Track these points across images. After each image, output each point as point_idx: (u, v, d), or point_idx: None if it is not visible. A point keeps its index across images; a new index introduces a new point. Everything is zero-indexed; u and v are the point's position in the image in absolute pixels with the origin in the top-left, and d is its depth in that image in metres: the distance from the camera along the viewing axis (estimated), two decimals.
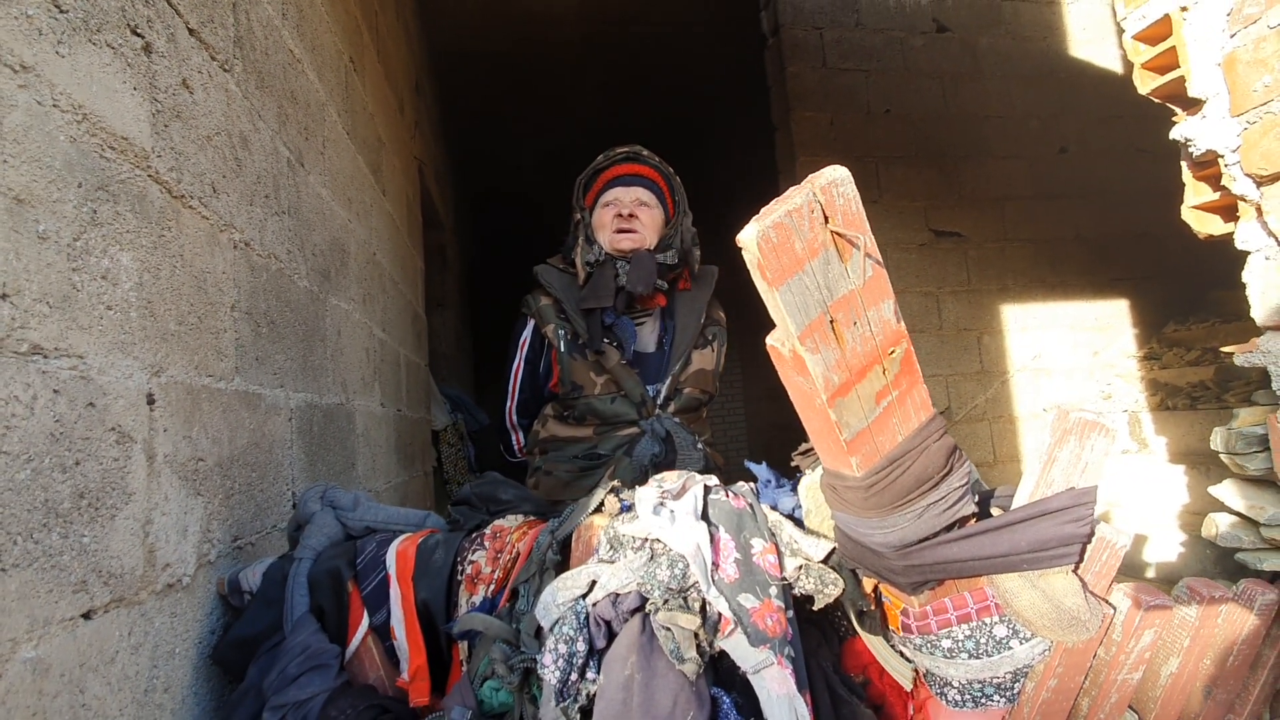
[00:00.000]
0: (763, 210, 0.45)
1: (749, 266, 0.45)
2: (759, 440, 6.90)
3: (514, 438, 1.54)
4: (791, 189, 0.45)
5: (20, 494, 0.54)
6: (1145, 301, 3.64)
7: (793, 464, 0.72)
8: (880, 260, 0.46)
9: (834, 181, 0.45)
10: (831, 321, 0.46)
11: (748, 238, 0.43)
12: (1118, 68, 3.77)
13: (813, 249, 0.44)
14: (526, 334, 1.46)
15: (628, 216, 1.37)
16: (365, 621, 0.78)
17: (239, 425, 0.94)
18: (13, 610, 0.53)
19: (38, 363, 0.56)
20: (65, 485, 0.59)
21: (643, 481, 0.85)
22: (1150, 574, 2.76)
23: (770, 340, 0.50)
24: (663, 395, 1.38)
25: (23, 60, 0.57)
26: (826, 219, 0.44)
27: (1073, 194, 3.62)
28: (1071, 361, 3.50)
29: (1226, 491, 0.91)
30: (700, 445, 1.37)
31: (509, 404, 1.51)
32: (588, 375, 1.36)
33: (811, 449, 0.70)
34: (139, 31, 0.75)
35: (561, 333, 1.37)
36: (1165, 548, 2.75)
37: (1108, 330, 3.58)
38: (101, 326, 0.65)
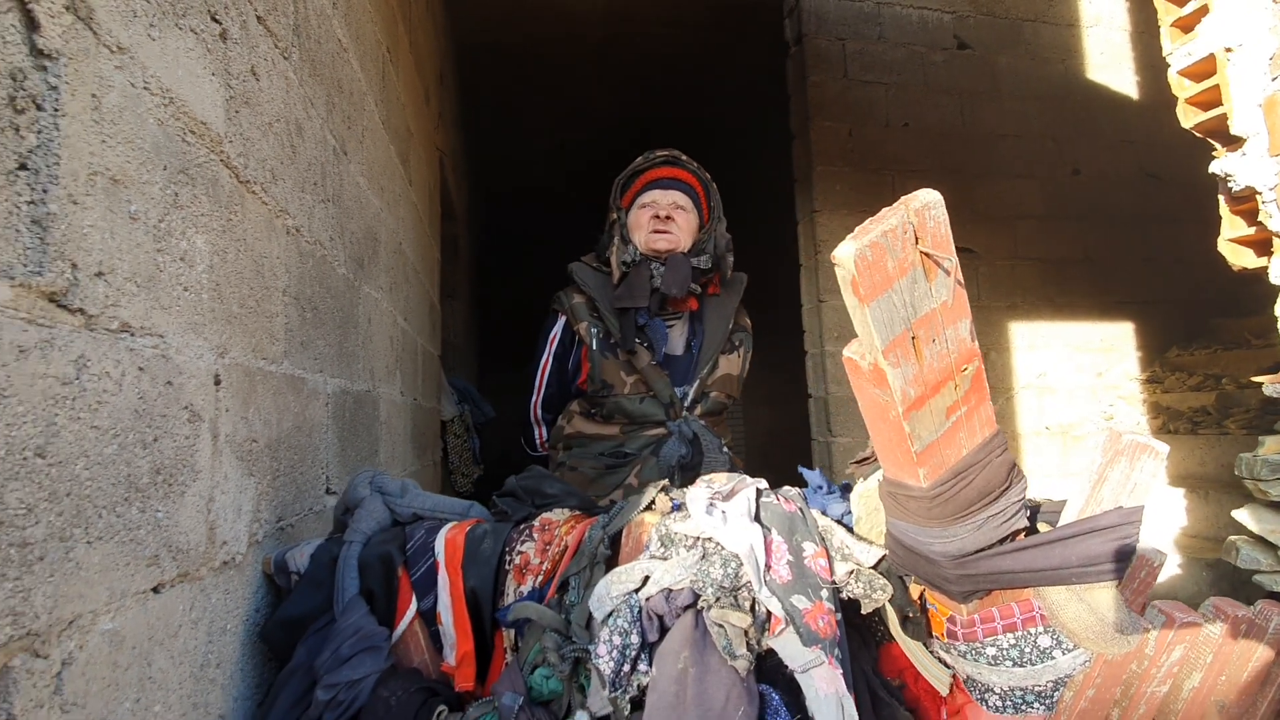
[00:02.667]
0: (857, 229, 0.47)
1: (841, 282, 0.47)
2: (756, 445, 6.92)
3: (537, 432, 1.55)
4: (885, 210, 0.47)
5: (107, 468, 0.55)
6: (1149, 325, 3.68)
7: (848, 472, 0.74)
8: (962, 281, 0.48)
9: (927, 204, 0.47)
10: (913, 338, 0.48)
11: (845, 255, 0.45)
12: (1133, 94, 3.82)
13: (903, 268, 0.46)
14: (557, 330, 1.47)
15: (664, 219, 1.39)
16: (413, 606, 0.79)
17: (285, 408, 0.95)
18: (95, 582, 0.54)
19: (126, 340, 0.58)
20: (145, 461, 0.60)
21: (676, 483, 0.86)
22: None
23: (847, 353, 0.52)
24: (690, 398, 1.40)
25: (119, 41, 0.58)
26: (917, 239, 0.46)
27: (1083, 216, 3.66)
28: (1075, 381, 3.54)
29: (1247, 515, 0.94)
30: (725, 449, 1.39)
31: (534, 398, 1.52)
32: (618, 374, 1.37)
33: (867, 459, 0.72)
34: (218, 18, 0.76)
35: (594, 330, 1.39)
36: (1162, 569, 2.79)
37: (1112, 352, 3.63)
38: (179, 307, 0.66)
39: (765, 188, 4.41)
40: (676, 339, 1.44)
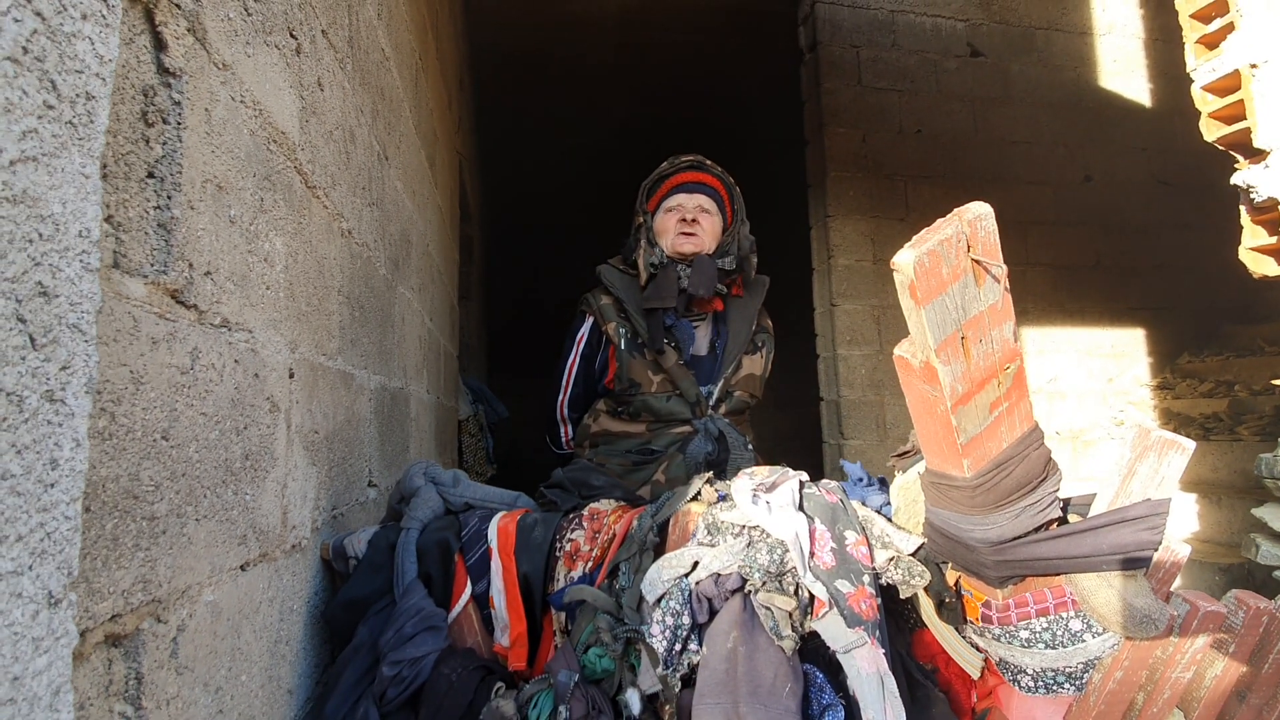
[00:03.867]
0: (915, 238, 0.51)
1: (899, 287, 0.51)
2: (762, 449, 6.95)
3: (563, 430, 1.59)
4: (940, 220, 0.52)
5: (211, 451, 0.60)
6: (1160, 331, 3.70)
7: (889, 465, 0.78)
8: (1008, 286, 0.52)
9: (979, 216, 0.51)
10: (963, 338, 0.52)
11: (905, 261, 0.50)
12: (1145, 101, 3.84)
13: (956, 274, 0.50)
14: (584, 330, 1.52)
15: (690, 221, 1.43)
16: (468, 590, 0.84)
17: (339, 402, 1.00)
18: (201, 556, 0.59)
19: (225, 335, 0.62)
20: (238, 447, 0.65)
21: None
22: None
23: (899, 351, 0.56)
24: (715, 397, 1.44)
25: (224, 59, 0.63)
26: (969, 248, 0.50)
27: (1094, 222, 3.69)
28: (1086, 386, 3.56)
29: (1267, 513, 0.97)
30: (749, 446, 1.43)
31: (561, 397, 1.56)
32: (645, 373, 1.42)
33: (907, 453, 0.76)
34: (294, 34, 0.81)
35: (623, 331, 1.43)
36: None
37: (1123, 358, 3.65)
38: (263, 304, 0.71)
39: (778, 192, 4.45)
40: (702, 339, 1.48)
